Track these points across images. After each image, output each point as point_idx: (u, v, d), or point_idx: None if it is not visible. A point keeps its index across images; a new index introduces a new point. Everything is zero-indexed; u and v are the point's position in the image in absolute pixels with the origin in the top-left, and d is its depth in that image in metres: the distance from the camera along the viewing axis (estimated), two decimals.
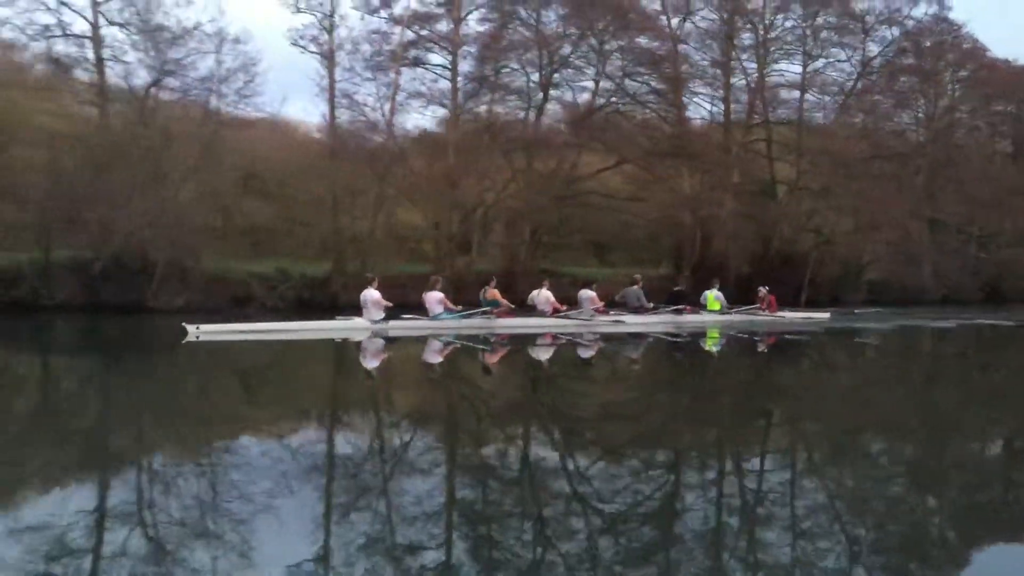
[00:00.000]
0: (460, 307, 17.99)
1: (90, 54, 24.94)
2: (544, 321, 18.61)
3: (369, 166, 27.40)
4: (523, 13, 32.55)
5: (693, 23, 37.59)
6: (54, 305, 22.38)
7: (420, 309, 17.76)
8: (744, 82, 38.90)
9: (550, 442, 7.02)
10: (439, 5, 31.12)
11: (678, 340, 18.13)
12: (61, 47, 24.91)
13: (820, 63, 40.10)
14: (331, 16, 28.87)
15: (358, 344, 15.78)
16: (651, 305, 20.70)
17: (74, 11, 24.62)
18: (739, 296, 33.01)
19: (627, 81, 33.67)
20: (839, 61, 40.68)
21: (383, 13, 30.52)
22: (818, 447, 6.98)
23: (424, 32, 31.06)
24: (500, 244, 32.30)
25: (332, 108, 28.95)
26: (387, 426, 7.65)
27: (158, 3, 24.89)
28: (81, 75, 25.54)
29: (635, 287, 20.82)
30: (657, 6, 35.89)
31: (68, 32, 24.79)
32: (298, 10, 28.94)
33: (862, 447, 6.93)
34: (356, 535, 4.20)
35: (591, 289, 20.19)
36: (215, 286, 24.36)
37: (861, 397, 10.04)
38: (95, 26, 24.80)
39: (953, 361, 16.00)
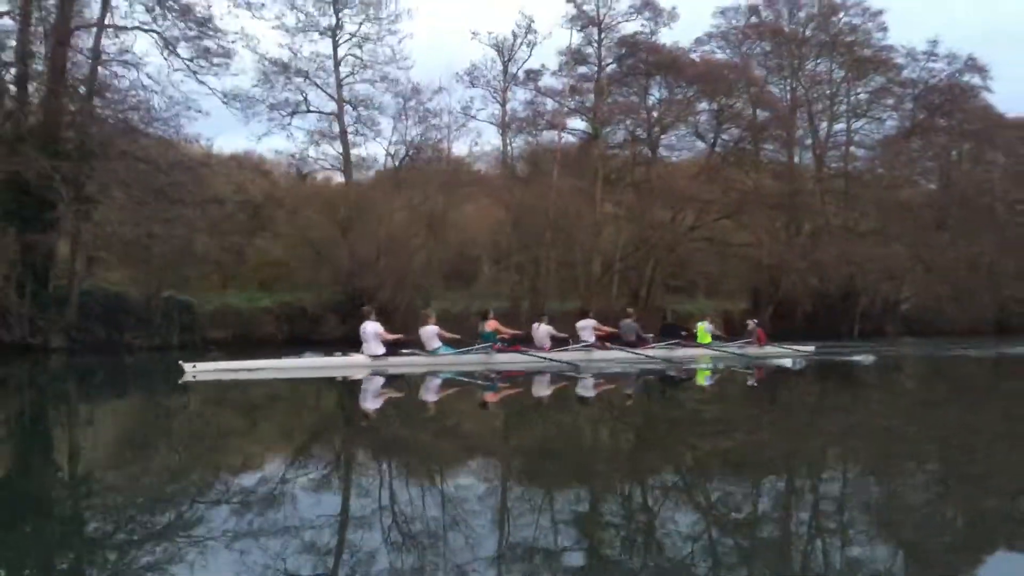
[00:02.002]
0: (458, 336, 17.47)
1: (336, 128, 29.80)
2: (540, 355, 17.72)
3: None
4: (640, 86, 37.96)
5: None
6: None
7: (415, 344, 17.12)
8: (808, 140, 44.79)
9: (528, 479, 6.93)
10: (585, 79, 36.49)
11: (675, 376, 17.40)
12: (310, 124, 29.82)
13: (863, 122, 46.25)
14: (504, 92, 34.13)
15: (359, 383, 15.06)
16: (649, 337, 20.23)
17: (324, 92, 29.33)
18: (806, 331, 38.65)
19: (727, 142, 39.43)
20: (880, 120, 46.80)
21: (531, 86, 36.08)
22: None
23: (571, 103, 36.46)
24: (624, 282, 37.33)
25: (509, 167, 34.12)
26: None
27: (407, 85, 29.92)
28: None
29: (629, 320, 20.28)
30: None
31: (314, 109, 29.56)
32: (472, 85, 34.20)
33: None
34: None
35: (591, 318, 19.68)
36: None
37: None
38: (340, 104, 29.59)
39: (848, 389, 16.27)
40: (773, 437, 9.58)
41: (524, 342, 18.57)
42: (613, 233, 35.19)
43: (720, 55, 41.65)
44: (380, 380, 15.17)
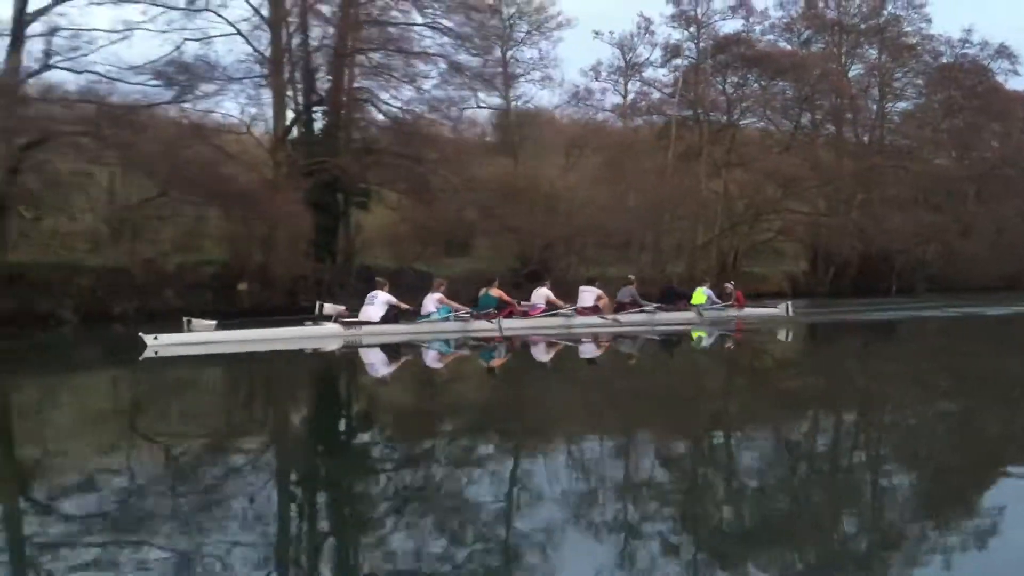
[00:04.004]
0: (468, 309, 17.18)
1: None
2: (525, 322, 17.90)
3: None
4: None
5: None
6: None
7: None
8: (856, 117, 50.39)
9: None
10: (683, 71, 41.92)
11: (670, 337, 19.03)
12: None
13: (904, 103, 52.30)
14: (626, 83, 39.48)
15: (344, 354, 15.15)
16: (645, 304, 20.59)
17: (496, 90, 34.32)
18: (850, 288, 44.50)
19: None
20: (918, 100, 52.78)
21: (637, 78, 41.51)
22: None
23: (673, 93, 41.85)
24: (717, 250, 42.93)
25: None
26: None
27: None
28: None
29: (630, 287, 20.75)
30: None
31: (483, 105, 34.60)
32: (596, 78, 39.49)
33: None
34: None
35: (595, 286, 19.81)
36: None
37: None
38: (508, 102, 34.76)
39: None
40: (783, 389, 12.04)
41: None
42: (713, 205, 40.75)
43: (782, 44, 47.19)
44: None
